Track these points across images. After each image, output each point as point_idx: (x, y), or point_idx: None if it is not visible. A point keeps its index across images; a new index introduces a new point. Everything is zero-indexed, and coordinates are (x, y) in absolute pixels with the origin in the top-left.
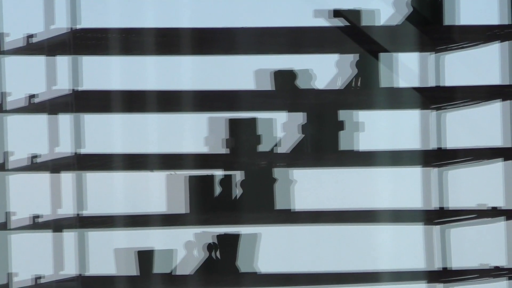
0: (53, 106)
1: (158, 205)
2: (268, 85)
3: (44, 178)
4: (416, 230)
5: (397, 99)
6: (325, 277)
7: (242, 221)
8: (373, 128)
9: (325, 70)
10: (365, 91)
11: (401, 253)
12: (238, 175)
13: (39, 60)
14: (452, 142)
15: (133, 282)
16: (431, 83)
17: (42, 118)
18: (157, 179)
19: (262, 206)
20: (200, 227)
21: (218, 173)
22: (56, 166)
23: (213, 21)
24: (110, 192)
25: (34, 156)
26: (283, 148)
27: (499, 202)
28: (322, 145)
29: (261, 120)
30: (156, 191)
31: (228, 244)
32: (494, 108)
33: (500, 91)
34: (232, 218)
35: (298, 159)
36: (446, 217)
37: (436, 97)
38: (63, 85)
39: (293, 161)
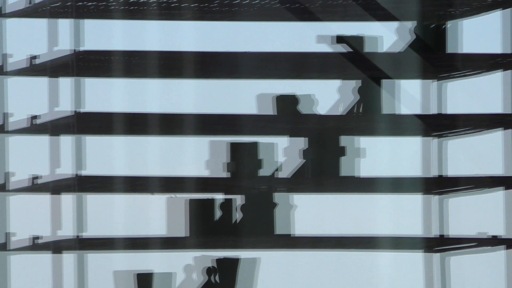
0: (54, 127)
1: (158, 228)
2: (270, 109)
3: (44, 199)
4: (416, 257)
5: (398, 125)
6: None
7: (242, 245)
8: (374, 155)
9: (327, 96)
10: (366, 117)
11: (401, 280)
12: (238, 199)
13: (42, 81)
14: (453, 170)
15: None
16: (433, 110)
17: (43, 139)
18: (157, 202)
19: (262, 230)
20: (199, 251)
21: (219, 196)
22: (56, 187)
23: (216, 45)
24: (110, 214)
25: (35, 177)
26: (284, 173)
27: (500, 231)
28: (323, 171)
29: (262, 144)
30: (156, 214)
31: (228, 268)
32: (496, 137)
33: (502, 120)
34: (232, 242)
35: (299, 184)
36: (446, 245)
37: (437, 125)
38: (65, 107)
39: (293, 186)
